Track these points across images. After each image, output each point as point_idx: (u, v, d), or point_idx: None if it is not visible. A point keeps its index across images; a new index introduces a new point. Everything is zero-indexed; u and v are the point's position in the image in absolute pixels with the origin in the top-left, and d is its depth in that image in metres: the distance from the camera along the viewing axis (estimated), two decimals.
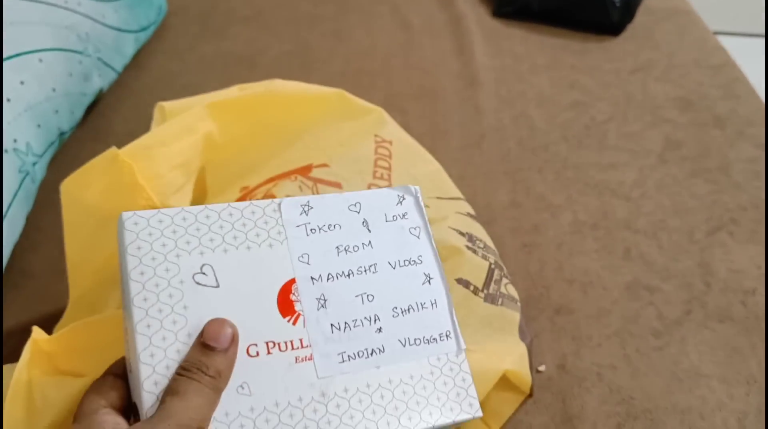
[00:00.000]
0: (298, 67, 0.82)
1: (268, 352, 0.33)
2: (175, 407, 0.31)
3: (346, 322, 0.35)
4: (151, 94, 0.56)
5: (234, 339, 0.33)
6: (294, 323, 0.34)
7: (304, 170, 0.51)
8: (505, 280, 0.47)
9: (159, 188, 0.45)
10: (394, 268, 0.38)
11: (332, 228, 0.38)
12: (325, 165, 0.51)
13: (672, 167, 0.66)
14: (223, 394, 0.32)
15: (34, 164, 0.62)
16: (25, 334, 0.51)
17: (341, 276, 0.37)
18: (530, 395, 0.47)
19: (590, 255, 0.58)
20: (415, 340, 0.36)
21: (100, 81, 0.75)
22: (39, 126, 0.63)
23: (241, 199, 0.50)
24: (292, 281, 0.35)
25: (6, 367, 0.47)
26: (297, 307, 0.35)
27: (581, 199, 0.62)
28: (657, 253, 0.58)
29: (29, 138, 0.61)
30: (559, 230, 0.60)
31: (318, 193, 0.48)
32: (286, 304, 0.35)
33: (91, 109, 0.76)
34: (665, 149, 0.68)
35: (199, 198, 0.52)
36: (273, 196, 0.48)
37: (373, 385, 0.34)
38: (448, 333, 0.37)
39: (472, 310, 0.44)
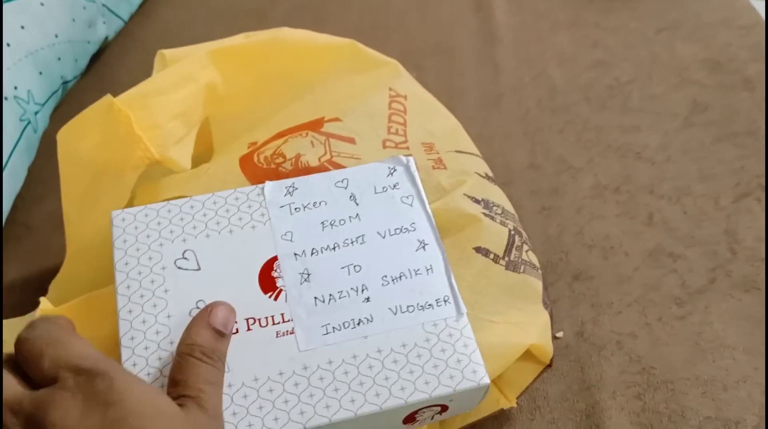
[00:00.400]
0: (310, 20, 0.79)
1: (248, 329, 0.33)
2: (217, 398, 0.30)
3: (330, 294, 0.34)
4: (157, 44, 0.54)
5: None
6: (276, 299, 0.34)
7: (316, 125, 0.49)
8: (526, 247, 0.45)
9: (157, 139, 0.42)
10: (383, 238, 0.36)
11: (317, 205, 0.37)
12: (337, 119, 0.49)
13: (698, 131, 0.63)
14: None
15: (35, 113, 0.59)
16: (26, 288, 0.50)
17: (326, 250, 0.36)
18: (550, 365, 0.45)
19: (611, 220, 0.55)
20: (407, 307, 0.34)
21: (105, 29, 0.72)
22: (41, 73, 0.60)
23: (249, 155, 0.47)
24: (275, 259, 0.35)
25: (6, 322, 0.45)
26: (279, 283, 0.34)
27: (603, 162, 0.60)
28: (681, 219, 0.55)
29: (31, 86, 0.59)
30: (579, 194, 0.57)
31: (330, 149, 0.46)
32: (267, 280, 0.34)
33: (95, 58, 0.73)
34: (691, 112, 0.65)
35: (205, 154, 0.50)
36: (283, 154, 0.46)
37: (360, 356, 0.33)
38: (446, 297, 0.35)
39: (493, 280, 0.42)
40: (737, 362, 0.46)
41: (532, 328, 0.42)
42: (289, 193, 0.37)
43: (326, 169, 0.44)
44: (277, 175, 0.44)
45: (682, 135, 0.63)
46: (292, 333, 0.33)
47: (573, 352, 0.47)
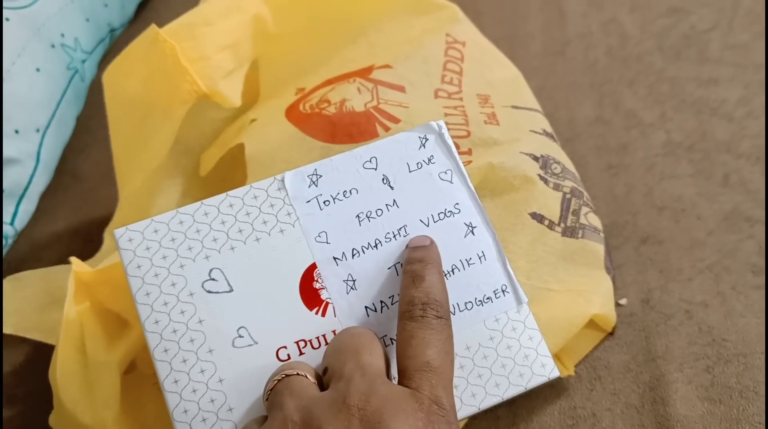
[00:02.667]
0: None
1: (300, 353, 0.30)
2: None
3: (381, 301, 0.31)
4: None
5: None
6: (323, 314, 0.31)
7: (365, 72, 0.46)
8: (585, 209, 0.42)
9: (205, 71, 0.40)
10: (428, 226, 0.33)
11: (348, 194, 0.33)
12: (387, 66, 0.46)
13: None
14: (261, 404, 0.29)
15: (83, 62, 0.58)
16: (75, 238, 0.50)
17: (368, 249, 0.32)
18: (611, 333, 0.42)
19: (684, 180, 0.51)
20: (465, 304, 0.32)
21: None
22: (87, 20, 0.59)
23: (295, 103, 0.45)
24: (313, 267, 0.31)
25: (51, 269, 0.45)
26: (323, 295, 0.31)
27: (676, 117, 0.55)
28: (761, 180, 0.51)
29: (77, 33, 0.57)
30: (650, 151, 0.53)
31: (378, 96, 0.43)
32: (310, 294, 0.31)
33: (143, 4, 0.71)
34: None
35: (251, 99, 0.48)
36: (328, 100, 0.44)
37: None
38: (504, 287, 0.32)
39: (550, 247, 0.39)
40: None
41: (594, 295, 0.39)
42: (314, 182, 0.33)
43: (371, 116, 0.42)
44: (320, 118, 0.42)
45: (765, 89, 0.57)
46: None
47: (638, 320, 0.44)
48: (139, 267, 0.31)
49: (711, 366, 0.42)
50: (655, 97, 0.57)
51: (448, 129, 0.41)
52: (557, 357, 0.41)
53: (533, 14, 0.65)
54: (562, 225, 0.40)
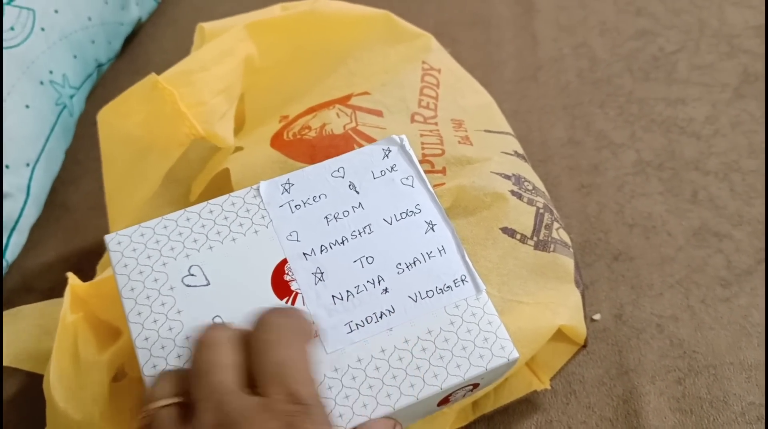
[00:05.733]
0: None
1: None
2: None
3: (347, 291, 0.33)
4: (191, 23, 0.53)
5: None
6: (293, 303, 0.33)
7: (344, 99, 0.48)
8: (556, 225, 0.44)
9: (202, 116, 0.42)
10: (390, 224, 0.35)
11: (317, 199, 0.36)
12: (366, 93, 0.48)
13: (749, 103, 0.60)
14: None
15: (71, 97, 0.60)
16: (65, 268, 0.51)
17: (335, 245, 0.34)
18: (584, 346, 0.44)
19: (654, 197, 0.53)
20: (426, 292, 0.33)
21: (138, 10, 0.72)
22: (75, 57, 0.61)
23: (280, 131, 0.47)
24: (284, 262, 0.34)
25: (44, 303, 0.47)
26: (293, 286, 0.33)
27: (646, 137, 0.57)
28: (728, 196, 0.53)
29: (65, 69, 0.59)
30: (620, 170, 0.55)
31: (357, 121, 0.45)
32: (280, 285, 0.33)
33: (129, 40, 0.73)
34: (742, 83, 0.62)
35: (237, 127, 0.50)
36: (309, 127, 0.46)
37: (388, 349, 0.32)
38: (463, 277, 0.34)
39: (521, 260, 0.41)
40: None
41: (562, 308, 0.40)
42: (286, 190, 0.36)
43: (350, 137, 0.43)
44: (302, 143, 0.44)
45: (731, 107, 0.60)
46: (316, 336, 0.32)
47: (611, 335, 0.46)
48: (125, 265, 0.33)
49: (682, 378, 0.43)
50: (625, 118, 0.59)
51: (423, 148, 0.43)
52: (533, 371, 0.42)
53: (506, 41, 0.68)
54: (535, 238, 0.41)
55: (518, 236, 0.41)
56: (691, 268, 0.49)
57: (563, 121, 0.59)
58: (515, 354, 0.32)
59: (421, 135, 0.44)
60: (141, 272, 0.33)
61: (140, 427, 0.28)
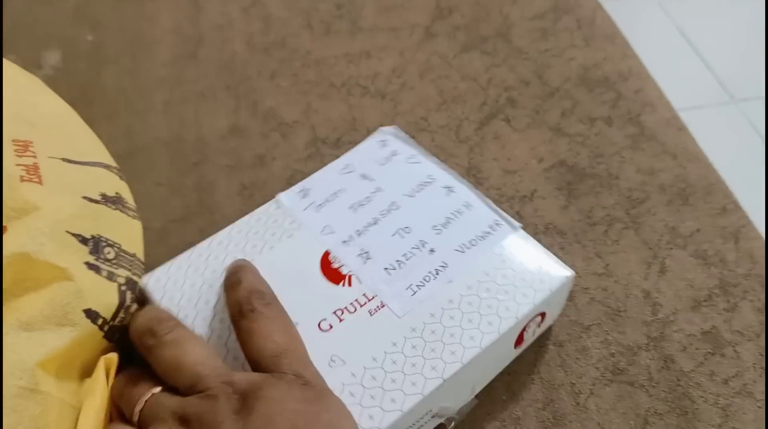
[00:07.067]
0: None
1: (341, 320, 0.32)
2: None
3: (397, 260, 0.34)
4: None
5: None
6: (350, 285, 0.33)
7: None
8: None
9: None
10: (412, 197, 0.37)
11: (337, 195, 0.37)
12: None
13: (440, 43, 0.52)
14: (322, 374, 0.30)
15: None
16: None
17: (369, 226, 0.36)
18: None
19: None
20: (470, 242, 0.35)
21: None
22: None
23: None
24: (327, 253, 0.34)
25: None
26: (344, 270, 0.34)
27: (322, 109, 0.48)
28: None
29: None
30: (290, 157, 0.45)
31: None
32: (332, 273, 0.34)
33: None
34: (434, 20, 0.54)
35: None
36: None
37: (455, 299, 0.33)
38: (496, 221, 0.36)
39: (97, 350, 0.30)
40: None
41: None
42: (305, 195, 0.37)
43: None
44: None
45: (420, 52, 0.51)
46: (383, 306, 0.32)
47: None
48: (171, 298, 0.33)
49: None
50: (300, 88, 0.49)
51: None
52: None
53: (162, 13, 0.55)
54: (111, 323, 0.31)
55: (100, 321, 0.30)
56: None
57: (225, 105, 0.48)
58: (570, 270, 0.34)
59: None
60: (189, 299, 0.33)
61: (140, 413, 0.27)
